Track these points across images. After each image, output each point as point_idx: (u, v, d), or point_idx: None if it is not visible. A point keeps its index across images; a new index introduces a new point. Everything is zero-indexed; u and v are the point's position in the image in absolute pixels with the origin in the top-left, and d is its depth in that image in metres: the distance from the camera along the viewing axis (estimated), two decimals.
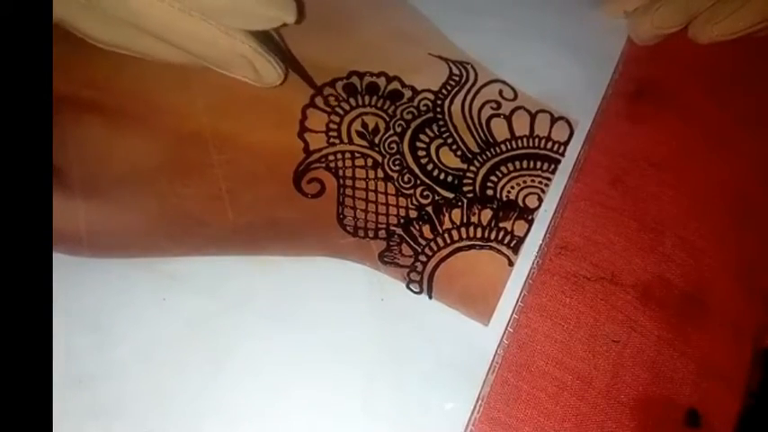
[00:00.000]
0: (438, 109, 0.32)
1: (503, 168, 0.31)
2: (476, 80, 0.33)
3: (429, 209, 0.30)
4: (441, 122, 0.32)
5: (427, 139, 0.31)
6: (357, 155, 0.31)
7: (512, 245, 0.29)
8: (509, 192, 0.30)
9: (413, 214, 0.30)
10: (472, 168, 0.31)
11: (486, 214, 0.30)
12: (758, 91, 0.34)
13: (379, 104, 0.32)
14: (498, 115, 0.32)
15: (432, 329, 0.28)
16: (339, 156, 0.31)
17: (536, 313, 0.28)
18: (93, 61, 0.31)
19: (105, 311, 0.26)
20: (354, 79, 0.33)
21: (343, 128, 0.31)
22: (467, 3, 0.36)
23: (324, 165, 0.30)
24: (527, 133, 0.32)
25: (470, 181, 0.30)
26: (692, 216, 0.31)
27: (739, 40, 0.33)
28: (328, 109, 0.32)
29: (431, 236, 0.29)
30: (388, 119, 0.32)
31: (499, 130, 0.32)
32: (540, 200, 0.30)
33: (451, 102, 0.32)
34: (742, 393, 0.28)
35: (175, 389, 0.26)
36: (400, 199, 0.30)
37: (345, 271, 0.28)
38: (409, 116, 0.32)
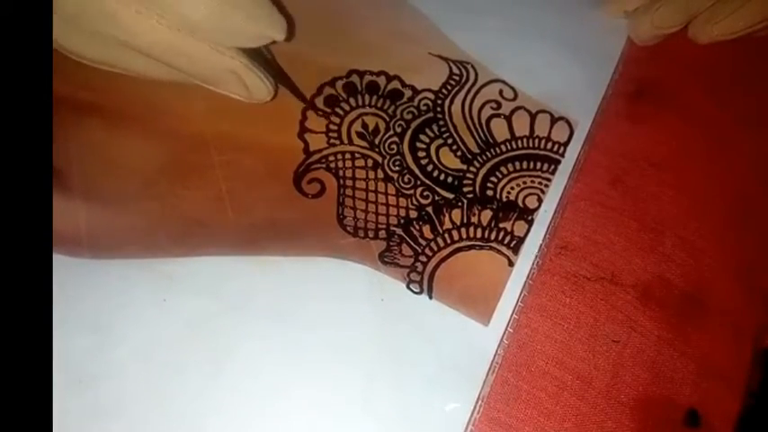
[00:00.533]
0: (438, 109, 0.32)
1: (503, 169, 0.31)
2: (476, 80, 0.33)
3: (429, 209, 0.30)
4: (441, 122, 0.32)
5: (427, 140, 0.31)
6: (357, 155, 0.31)
7: (512, 245, 0.29)
8: (509, 192, 0.30)
9: (413, 214, 0.30)
10: (472, 169, 0.31)
11: (486, 215, 0.30)
12: (758, 91, 0.34)
13: (379, 104, 0.32)
14: (498, 115, 0.32)
15: (432, 330, 0.28)
16: (339, 156, 0.31)
17: (536, 313, 0.28)
18: None
19: (106, 312, 0.26)
20: (354, 78, 0.33)
21: (344, 128, 0.31)
22: (467, 2, 0.36)
23: (324, 165, 0.30)
24: (527, 133, 0.32)
25: (470, 182, 0.30)
26: (692, 216, 0.31)
27: (739, 39, 0.33)
28: (328, 110, 0.32)
29: (431, 236, 0.29)
30: (388, 119, 0.32)
31: (499, 130, 0.32)
32: (540, 200, 0.30)
33: (452, 102, 0.32)
34: (742, 393, 0.28)
35: (176, 389, 0.26)
36: (400, 199, 0.30)
37: (346, 271, 0.28)
38: (409, 116, 0.32)
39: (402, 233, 0.29)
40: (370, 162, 0.31)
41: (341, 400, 0.26)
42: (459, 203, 0.30)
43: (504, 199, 0.30)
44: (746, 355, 0.29)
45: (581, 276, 0.29)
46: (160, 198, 0.28)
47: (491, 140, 0.31)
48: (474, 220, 0.30)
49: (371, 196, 0.30)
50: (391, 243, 0.29)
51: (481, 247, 0.29)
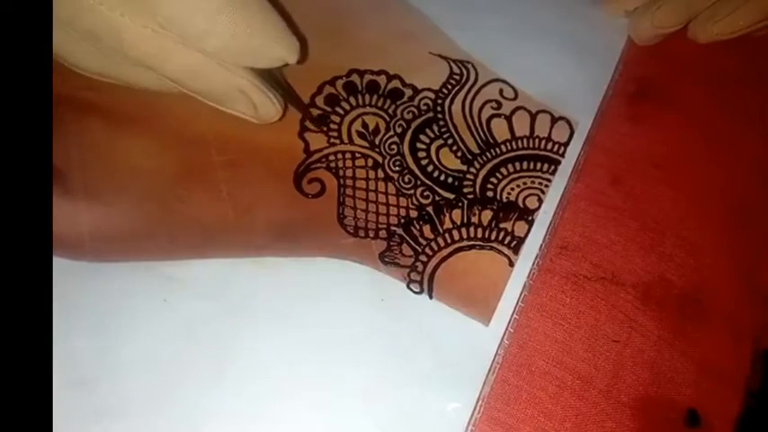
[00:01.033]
0: (438, 108, 0.32)
1: (503, 170, 0.31)
2: (476, 79, 0.33)
3: (429, 209, 0.30)
4: (441, 122, 0.32)
5: (427, 140, 0.31)
6: (357, 155, 0.31)
7: (512, 245, 0.29)
8: (509, 193, 0.30)
9: (413, 214, 0.30)
10: (472, 170, 0.31)
11: (487, 215, 0.30)
12: (759, 91, 0.34)
13: (379, 104, 0.32)
14: (499, 115, 0.32)
15: (432, 330, 0.28)
16: (339, 156, 0.30)
17: (536, 313, 0.28)
18: None
19: (107, 314, 0.26)
20: (354, 77, 0.33)
21: (344, 128, 0.31)
22: (467, 1, 0.36)
23: (324, 165, 0.30)
24: (527, 134, 0.32)
25: (470, 182, 0.30)
26: (693, 216, 0.31)
27: (739, 39, 0.33)
28: (328, 109, 0.31)
29: (431, 236, 0.29)
30: (388, 119, 0.32)
31: (499, 130, 0.32)
32: (541, 201, 0.30)
33: (452, 101, 0.32)
34: (742, 393, 0.28)
35: (177, 390, 0.26)
36: (401, 199, 0.30)
37: (346, 271, 0.28)
38: (409, 116, 0.32)
39: (402, 233, 0.29)
40: (370, 162, 0.31)
41: (341, 400, 0.26)
42: (460, 204, 0.30)
43: (505, 199, 0.30)
44: (746, 355, 0.29)
45: (581, 276, 0.29)
46: (161, 199, 0.28)
47: (491, 141, 0.31)
48: (474, 220, 0.30)
49: (372, 196, 0.30)
50: (391, 243, 0.29)
51: (482, 247, 0.29)
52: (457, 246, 0.29)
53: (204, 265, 0.28)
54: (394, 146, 0.31)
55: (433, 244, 0.29)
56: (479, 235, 0.29)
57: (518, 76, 0.33)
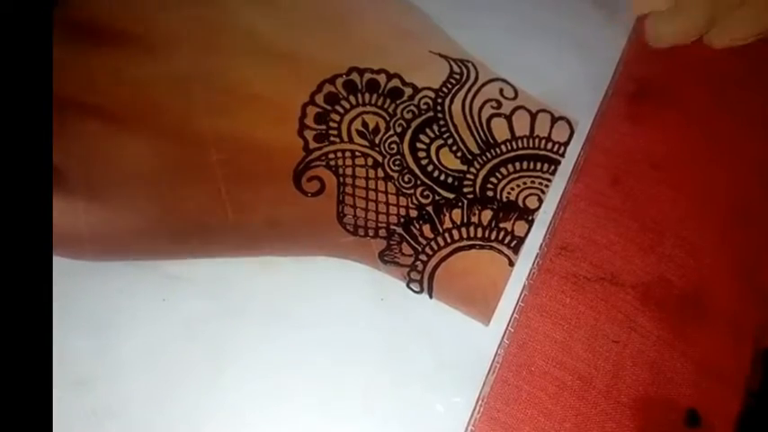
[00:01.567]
0: (438, 108, 0.32)
1: (503, 170, 0.31)
2: (476, 78, 0.33)
3: (429, 208, 0.30)
4: (441, 122, 0.32)
5: (427, 140, 0.31)
6: (357, 154, 0.30)
7: (512, 245, 0.29)
8: (509, 193, 0.30)
9: (413, 213, 0.30)
10: (472, 170, 0.31)
11: (487, 214, 0.30)
12: (759, 91, 0.34)
13: (379, 103, 0.32)
14: (499, 115, 0.32)
15: (432, 329, 0.28)
16: (339, 154, 0.30)
17: (536, 313, 0.28)
18: (93, 65, 0.30)
19: (106, 313, 0.26)
20: (354, 76, 0.32)
21: (344, 127, 0.31)
22: (467, 0, 0.36)
23: (324, 163, 0.30)
24: (527, 133, 0.32)
25: (470, 182, 0.30)
26: (692, 216, 0.31)
27: None
28: (329, 107, 0.31)
29: (431, 235, 0.29)
30: (388, 118, 0.31)
31: (499, 130, 0.32)
32: (541, 201, 0.30)
33: (452, 100, 0.32)
34: (742, 393, 0.28)
35: (176, 390, 0.25)
36: (400, 198, 0.30)
37: (345, 270, 0.28)
38: (409, 115, 0.32)
39: (402, 232, 0.29)
40: (370, 161, 0.30)
41: (341, 400, 0.26)
42: (460, 203, 0.30)
43: (505, 199, 0.30)
44: (746, 355, 0.29)
45: (581, 277, 0.29)
46: (160, 198, 0.28)
47: (491, 140, 0.31)
48: (474, 219, 0.30)
49: (371, 195, 0.30)
50: (391, 242, 0.29)
51: (482, 247, 0.29)
52: (457, 245, 0.29)
53: (203, 264, 0.28)
54: (394, 145, 0.31)
55: (432, 243, 0.29)
56: (479, 234, 0.29)
57: (518, 75, 0.33)
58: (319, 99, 0.32)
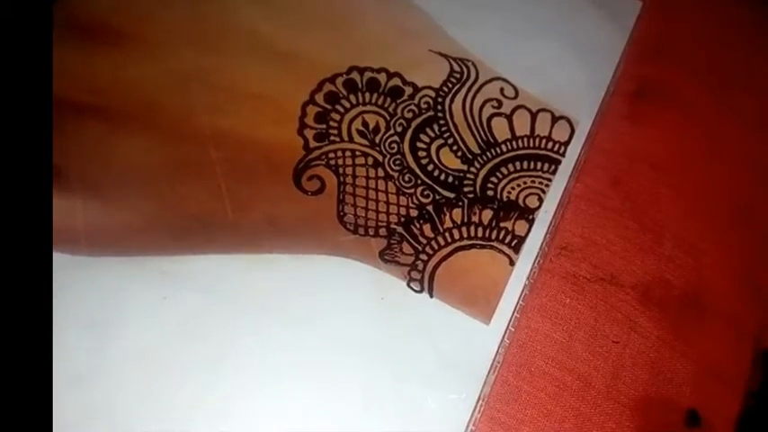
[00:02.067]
0: (439, 107, 0.32)
1: (503, 170, 0.31)
2: (477, 78, 0.33)
3: (430, 208, 0.30)
4: (441, 121, 0.32)
5: (428, 140, 0.31)
6: (358, 153, 0.30)
7: (513, 244, 0.29)
8: (509, 192, 0.30)
9: (413, 213, 0.30)
10: (472, 170, 0.31)
11: (487, 214, 0.30)
12: (759, 91, 0.35)
13: (379, 102, 0.32)
14: (499, 114, 0.32)
15: (432, 328, 0.27)
16: (339, 153, 0.30)
17: (536, 313, 0.28)
18: (93, 65, 0.30)
19: (104, 309, 0.26)
20: (355, 75, 0.32)
21: (344, 126, 0.31)
22: None
23: (324, 162, 0.30)
24: (528, 133, 0.32)
25: (471, 182, 0.30)
26: (692, 216, 0.31)
27: (739, 39, 0.33)
28: (329, 106, 0.31)
29: (432, 234, 0.29)
30: (388, 117, 0.31)
31: (500, 129, 0.32)
32: (541, 200, 0.30)
33: (452, 100, 0.32)
34: (742, 393, 0.28)
35: (175, 386, 0.25)
36: (401, 198, 0.30)
37: (345, 269, 0.28)
38: (410, 114, 0.32)
39: (403, 231, 0.29)
40: (370, 160, 0.30)
41: (341, 399, 0.26)
42: (460, 203, 0.30)
43: (505, 199, 0.30)
44: (746, 355, 0.29)
45: (581, 277, 0.29)
46: (159, 196, 0.28)
47: (492, 140, 0.31)
48: (475, 219, 0.30)
49: (372, 194, 0.30)
50: (392, 241, 0.29)
51: (482, 246, 0.29)
52: (457, 244, 0.29)
53: (203, 261, 0.28)
54: (394, 144, 0.31)
55: (433, 243, 0.29)
56: (480, 234, 0.29)
57: (519, 74, 0.33)
58: (319, 98, 0.31)
